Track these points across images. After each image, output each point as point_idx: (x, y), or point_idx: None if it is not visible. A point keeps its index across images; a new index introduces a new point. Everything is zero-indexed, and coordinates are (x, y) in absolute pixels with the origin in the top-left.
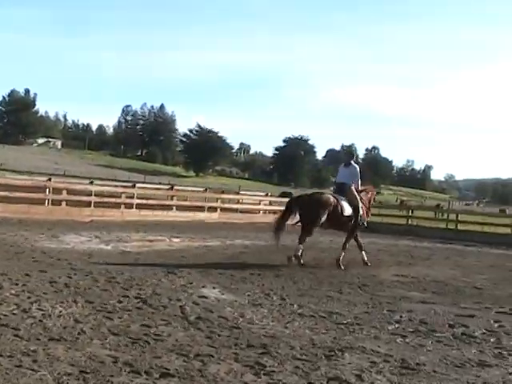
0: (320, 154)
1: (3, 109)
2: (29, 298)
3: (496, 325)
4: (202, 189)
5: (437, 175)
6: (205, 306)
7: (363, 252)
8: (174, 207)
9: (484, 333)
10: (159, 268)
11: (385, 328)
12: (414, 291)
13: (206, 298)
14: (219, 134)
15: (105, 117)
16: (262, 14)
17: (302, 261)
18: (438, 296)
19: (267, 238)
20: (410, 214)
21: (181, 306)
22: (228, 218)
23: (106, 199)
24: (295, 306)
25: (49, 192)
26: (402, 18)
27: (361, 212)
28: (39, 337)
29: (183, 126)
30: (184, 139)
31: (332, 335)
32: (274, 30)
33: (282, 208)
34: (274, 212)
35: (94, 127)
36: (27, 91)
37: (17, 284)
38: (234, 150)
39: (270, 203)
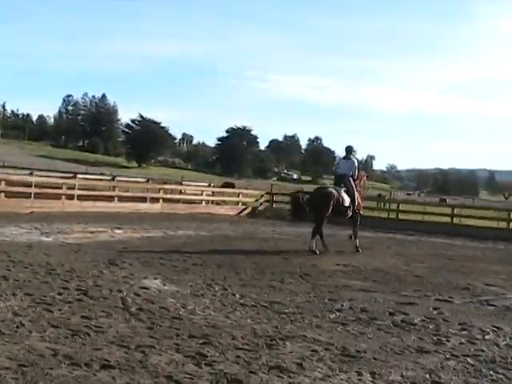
0: (263, 145)
1: None
2: None
3: (435, 312)
4: (144, 179)
5: (379, 165)
6: (146, 297)
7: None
8: (116, 198)
9: (423, 320)
10: (100, 259)
11: (326, 317)
12: (356, 280)
13: (147, 289)
14: (162, 125)
15: (45, 106)
16: (199, 1)
17: (317, 251)
18: (378, 284)
19: (210, 228)
20: None
21: (122, 298)
22: (171, 209)
23: (46, 190)
24: (237, 295)
25: None
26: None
27: (357, 201)
28: None
29: (125, 116)
30: (126, 130)
31: (273, 324)
32: (210, 19)
33: (225, 198)
34: (217, 203)
35: (35, 117)
36: None
37: None
38: (176, 141)
39: (213, 193)
